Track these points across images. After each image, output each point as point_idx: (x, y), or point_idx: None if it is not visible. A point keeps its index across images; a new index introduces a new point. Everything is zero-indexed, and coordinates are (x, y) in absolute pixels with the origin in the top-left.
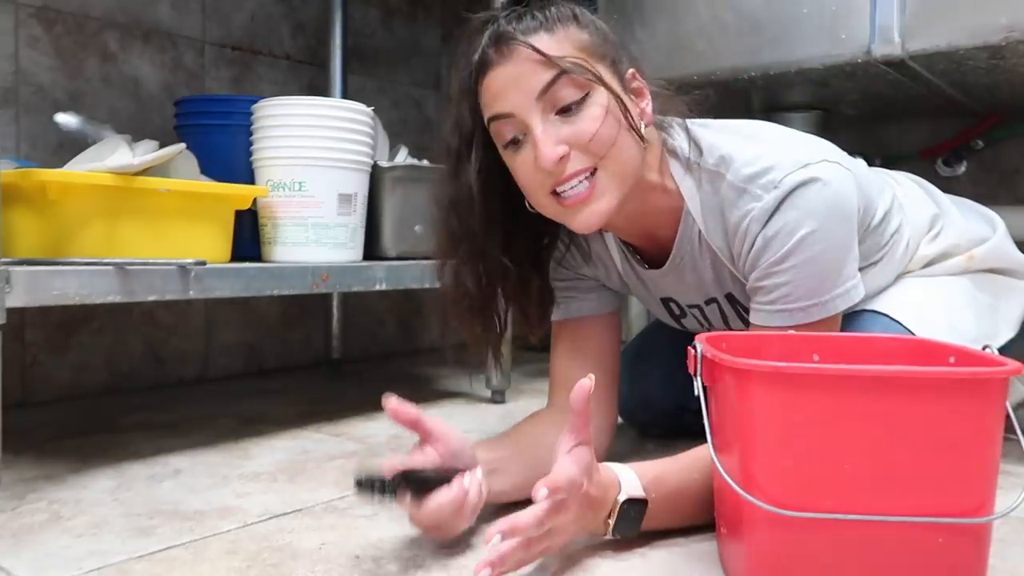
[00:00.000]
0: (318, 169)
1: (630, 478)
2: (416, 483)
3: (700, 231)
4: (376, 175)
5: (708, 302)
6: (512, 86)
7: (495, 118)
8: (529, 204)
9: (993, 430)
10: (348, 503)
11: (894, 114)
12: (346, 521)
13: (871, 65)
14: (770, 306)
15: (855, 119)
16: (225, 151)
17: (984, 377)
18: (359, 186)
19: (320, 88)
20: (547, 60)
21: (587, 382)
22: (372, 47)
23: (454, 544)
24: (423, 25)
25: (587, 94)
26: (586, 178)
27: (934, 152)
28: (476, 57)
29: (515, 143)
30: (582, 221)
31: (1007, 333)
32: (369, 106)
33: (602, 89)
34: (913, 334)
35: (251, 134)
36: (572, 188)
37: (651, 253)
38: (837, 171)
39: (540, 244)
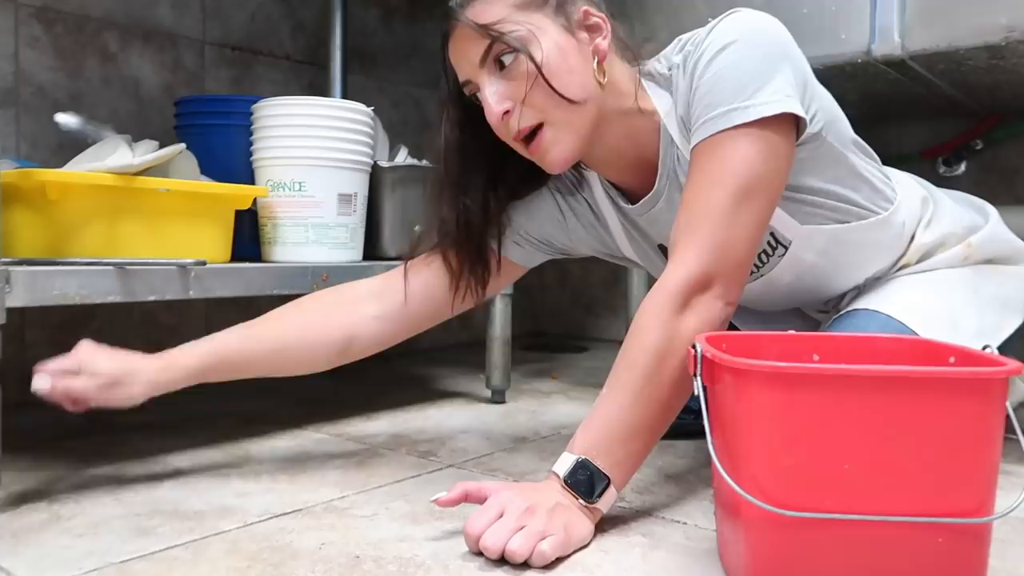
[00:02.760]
0: (318, 169)
1: (560, 458)
2: None
3: (678, 147)
4: (376, 175)
5: None
6: (461, 58)
7: (464, 84)
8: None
9: (993, 430)
10: (348, 503)
11: (894, 114)
12: (346, 521)
13: (871, 65)
14: (697, 121)
15: (855, 119)
16: (225, 151)
17: (984, 377)
18: (359, 186)
19: (320, 88)
20: (481, 31)
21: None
22: (372, 47)
23: (455, 543)
24: (423, 25)
25: (518, 52)
26: (533, 131)
27: (934, 152)
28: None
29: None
30: (548, 167)
31: (1015, 321)
32: (369, 106)
33: (536, 44)
34: (914, 333)
35: (251, 134)
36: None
37: (643, 191)
38: (771, 16)
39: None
